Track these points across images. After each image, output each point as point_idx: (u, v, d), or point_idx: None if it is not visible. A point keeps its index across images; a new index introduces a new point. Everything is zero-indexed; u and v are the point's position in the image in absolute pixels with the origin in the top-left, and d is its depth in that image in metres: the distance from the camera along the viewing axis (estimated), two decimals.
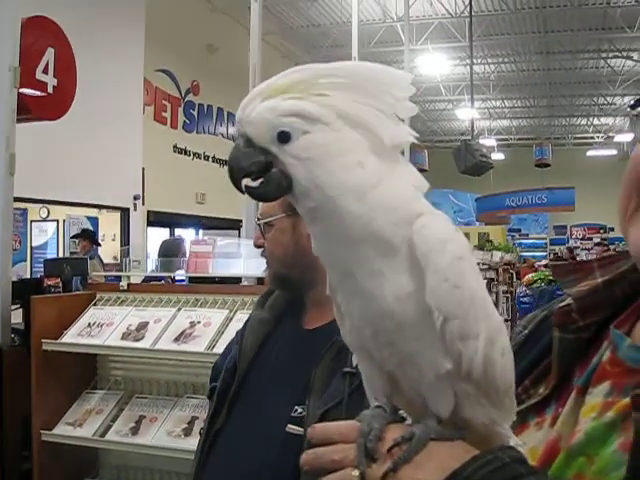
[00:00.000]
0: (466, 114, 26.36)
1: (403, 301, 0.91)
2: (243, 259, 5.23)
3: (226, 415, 2.17)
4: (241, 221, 15.65)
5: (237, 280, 5.20)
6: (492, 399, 1.00)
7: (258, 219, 2.25)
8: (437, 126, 32.86)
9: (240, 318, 3.83)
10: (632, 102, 1.10)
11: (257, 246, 2.29)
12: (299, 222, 2.16)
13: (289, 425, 2.00)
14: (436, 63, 21.55)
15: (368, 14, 18.74)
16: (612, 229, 26.75)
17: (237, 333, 2.36)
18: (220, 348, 3.63)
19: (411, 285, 0.91)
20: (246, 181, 0.94)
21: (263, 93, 0.93)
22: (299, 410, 2.02)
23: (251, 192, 0.94)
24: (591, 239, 25.44)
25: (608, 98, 27.24)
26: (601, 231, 26.11)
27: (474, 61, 18.64)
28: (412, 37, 18.26)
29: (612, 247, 20.35)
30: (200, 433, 2.31)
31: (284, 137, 0.92)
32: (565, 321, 1.17)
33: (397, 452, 0.91)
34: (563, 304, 1.21)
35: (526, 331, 1.31)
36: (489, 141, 30.20)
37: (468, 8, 17.10)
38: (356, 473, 0.91)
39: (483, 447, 0.94)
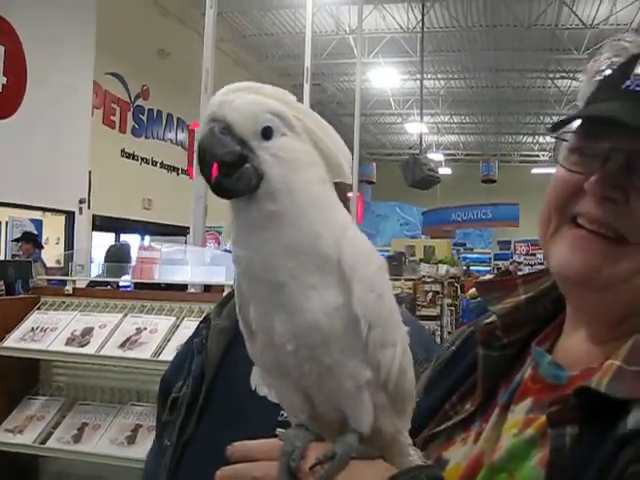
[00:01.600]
0: (415, 128, 26.62)
1: (330, 315, 0.92)
2: (190, 266, 5.19)
3: (195, 425, 2.13)
4: (188, 228, 15.59)
5: (183, 287, 5.16)
6: (399, 408, 1.03)
7: None
8: (386, 139, 33.09)
9: (187, 325, 3.80)
10: (551, 126, 1.12)
11: None
12: None
13: (278, 429, 2.00)
14: (387, 77, 21.72)
15: (321, 26, 18.80)
16: None
17: (191, 342, 2.33)
18: (167, 355, 3.59)
19: (338, 299, 0.93)
20: (215, 171, 0.89)
21: (250, 89, 0.92)
22: (285, 414, 2.02)
23: (219, 184, 0.89)
24: (534, 255, 25.77)
25: (554, 117, 27.71)
26: None
27: (424, 76, 18.84)
28: (364, 50, 18.36)
29: None
30: (162, 445, 2.25)
31: (267, 133, 0.91)
32: (489, 338, 1.19)
33: (319, 471, 0.92)
34: (487, 321, 1.22)
35: (453, 347, 1.32)
36: (437, 156, 30.53)
37: (420, 23, 17.29)
38: None
39: (389, 456, 0.99)
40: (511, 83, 23.56)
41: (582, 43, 18.83)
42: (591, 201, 1.03)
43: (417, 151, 18.89)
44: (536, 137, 31.68)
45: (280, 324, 0.93)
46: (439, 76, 23.17)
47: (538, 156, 33.54)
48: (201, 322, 2.37)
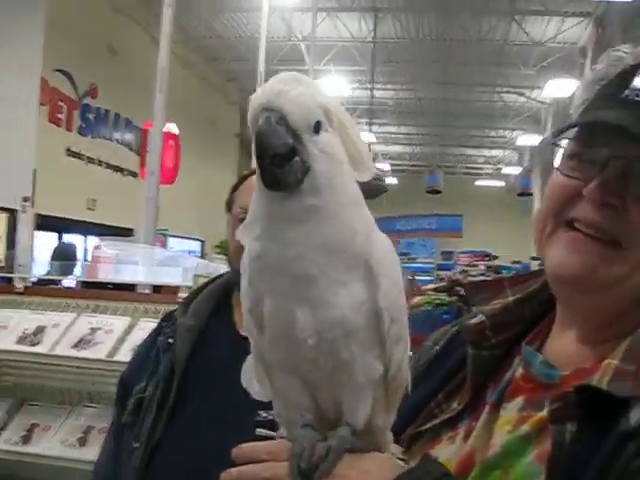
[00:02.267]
0: (363, 137, 26.80)
1: (355, 309, 0.96)
2: (143, 266, 5.16)
3: (166, 426, 2.11)
4: (132, 230, 15.38)
5: (131, 287, 5.10)
6: (392, 404, 1.08)
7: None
8: None
9: (143, 327, 3.74)
10: (554, 131, 1.15)
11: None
12: None
13: (258, 429, 1.98)
14: (337, 85, 21.82)
15: (273, 31, 18.81)
16: (497, 257, 27.63)
17: (151, 342, 2.29)
18: (121, 356, 3.55)
19: (363, 294, 0.96)
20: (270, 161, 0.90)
21: (300, 81, 0.93)
22: (264, 415, 2.00)
23: (273, 175, 0.91)
24: (476, 265, 26.12)
25: (500, 131, 28.23)
26: (486, 258, 26.85)
27: (374, 86, 18.99)
28: (316, 57, 18.45)
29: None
30: (122, 447, 2.20)
31: (317, 128, 0.92)
32: (479, 339, 1.22)
33: (318, 470, 0.94)
34: (475, 322, 1.25)
35: (437, 347, 1.35)
36: (383, 165, 30.74)
37: (372, 33, 17.42)
38: None
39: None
40: (458, 96, 23.91)
41: (530, 59, 19.21)
42: (589, 206, 1.05)
43: None
44: (481, 150, 32.17)
45: (303, 317, 0.95)
46: (388, 86, 23.39)
47: (482, 169, 34.07)
48: (163, 320, 2.36)
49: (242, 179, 2.28)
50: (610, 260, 1.04)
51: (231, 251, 2.22)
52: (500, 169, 33.15)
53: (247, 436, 1.93)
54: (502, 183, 33.61)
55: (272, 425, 1.94)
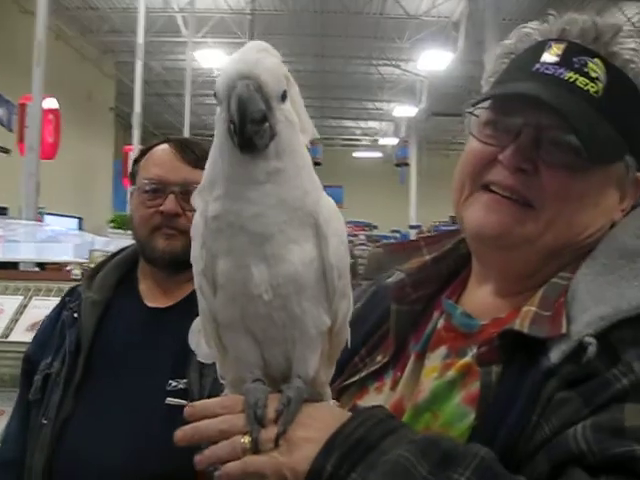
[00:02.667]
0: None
1: (307, 265, 1.04)
2: (29, 243, 5.04)
3: (74, 400, 2.10)
4: (5, 208, 14.80)
5: (14, 265, 4.97)
6: (333, 358, 1.17)
7: (184, 186, 2.13)
8: (211, 120, 32.65)
9: (37, 305, 3.66)
10: (473, 101, 1.25)
11: (173, 215, 2.15)
12: None
13: (169, 398, 1.99)
14: (215, 57, 21.54)
15: (149, 2, 18.40)
16: (376, 227, 28.16)
17: (55, 318, 2.27)
18: (16, 336, 3.46)
19: (313, 252, 1.05)
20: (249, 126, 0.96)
21: (268, 50, 1.01)
22: (174, 384, 2.03)
23: (250, 139, 0.96)
24: (356, 235, 26.57)
25: (376, 104, 28.61)
26: (366, 228, 27.31)
27: None
28: (192, 30, 18.20)
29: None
30: (30, 424, 2.17)
31: (284, 96, 1.00)
32: (400, 295, 1.32)
33: (282, 417, 1.01)
34: (396, 280, 1.35)
35: (359, 305, 1.43)
36: None
37: (250, 5, 17.31)
38: (246, 439, 1.00)
39: None
40: (336, 68, 24.07)
41: (405, 33, 19.53)
42: (505, 170, 1.16)
43: None
44: (358, 122, 32.53)
45: (259, 274, 1.02)
46: None
47: (360, 140, 34.49)
48: (67, 295, 2.34)
49: (145, 151, 2.27)
50: (524, 220, 1.15)
51: (136, 222, 2.21)
52: (377, 140, 33.68)
53: (157, 406, 1.98)
54: (379, 154, 34.16)
55: (182, 394, 1.99)
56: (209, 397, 1.90)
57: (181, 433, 1.07)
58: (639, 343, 1.00)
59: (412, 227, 28.17)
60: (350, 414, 1.05)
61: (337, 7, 18.30)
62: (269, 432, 1.01)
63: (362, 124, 32.75)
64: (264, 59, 0.98)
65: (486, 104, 1.22)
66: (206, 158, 2.18)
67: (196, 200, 1.09)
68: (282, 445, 1.00)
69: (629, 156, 1.17)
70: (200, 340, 1.21)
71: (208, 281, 1.09)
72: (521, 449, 0.99)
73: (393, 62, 22.31)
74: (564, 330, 1.04)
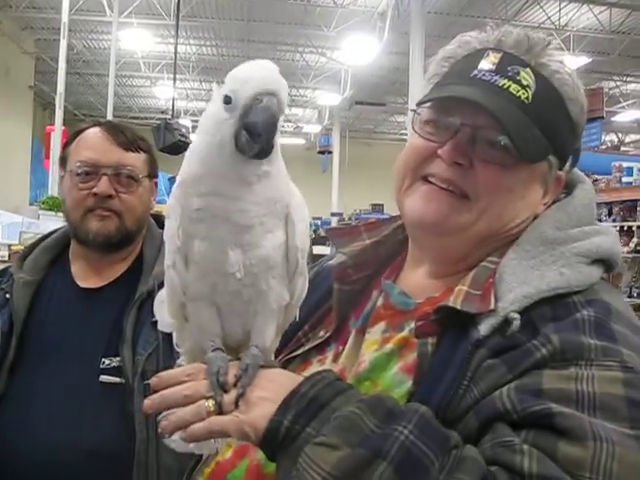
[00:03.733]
0: (164, 93, 26.35)
1: (276, 249, 1.18)
2: None
3: (8, 380, 2.12)
4: None
5: None
6: (283, 330, 1.32)
7: (116, 168, 2.20)
8: (133, 102, 32.48)
9: None
10: (417, 102, 1.39)
11: (107, 196, 2.19)
12: (152, 185, 2.30)
13: (103, 376, 2.05)
14: (139, 38, 21.22)
15: None
16: None
17: None
18: None
19: (283, 237, 1.19)
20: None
21: (277, 69, 1.14)
22: (107, 362, 2.09)
23: (269, 147, 1.11)
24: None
25: (301, 90, 28.66)
26: None
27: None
28: (117, 9, 17.91)
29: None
30: None
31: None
32: (342, 275, 1.45)
33: (240, 381, 1.13)
34: (339, 261, 1.48)
35: None
36: (185, 122, 30.38)
37: None
38: (210, 403, 1.11)
39: None
40: (262, 54, 23.78)
41: (332, 21, 19.62)
42: (443, 164, 1.29)
43: (169, 116, 18.71)
44: None
45: (234, 256, 1.14)
46: (191, 42, 23.08)
47: (283, 126, 34.17)
48: None
49: (76, 134, 2.30)
50: (459, 210, 1.28)
51: (68, 205, 2.25)
52: (301, 127, 33.78)
53: (91, 384, 2.04)
54: (302, 141, 34.29)
55: (116, 371, 2.06)
56: (142, 374, 1.99)
57: (149, 402, 1.14)
58: (556, 319, 1.14)
59: (334, 214, 28.41)
60: (303, 377, 1.15)
61: None
62: (230, 395, 1.11)
63: (286, 110, 32.66)
64: (282, 79, 1.11)
65: (428, 104, 1.35)
66: (136, 141, 2.24)
67: (179, 193, 1.17)
68: (242, 405, 1.10)
69: (552, 156, 1.31)
70: (163, 310, 1.29)
71: (182, 258, 1.18)
72: (453, 410, 1.12)
73: (319, 50, 22.39)
74: (492, 307, 1.17)
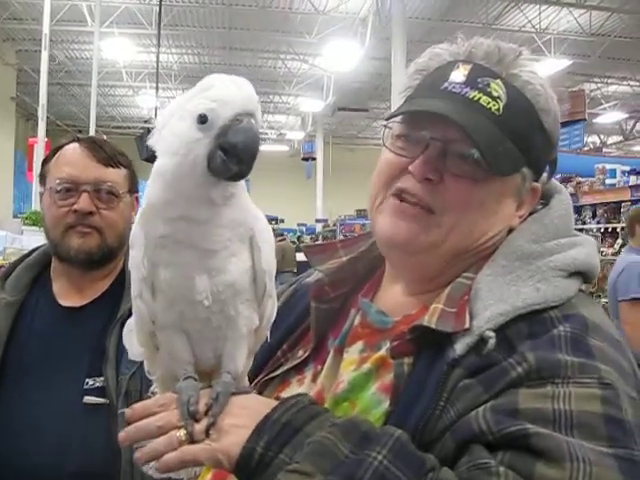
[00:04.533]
0: (147, 102, 26.33)
1: (243, 274, 1.16)
2: None
3: None
4: None
5: None
6: (254, 352, 1.30)
7: (96, 184, 2.16)
8: (116, 112, 32.45)
9: None
10: (386, 116, 1.37)
11: (87, 213, 2.15)
12: (133, 200, 2.26)
13: (87, 397, 2.03)
14: (121, 48, 21.18)
15: None
16: (283, 220, 28.27)
17: None
18: None
19: (249, 261, 1.17)
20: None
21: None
22: (91, 382, 2.06)
23: (247, 170, 1.09)
24: None
25: (283, 97, 28.69)
26: (273, 222, 27.40)
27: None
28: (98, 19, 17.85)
29: (285, 235, 21.74)
30: None
31: None
32: (319, 294, 1.42)
33: (211, 409, 1.11)
34: (315, 279, 1.45)
35: (279, 304, 1.49)
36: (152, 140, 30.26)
37: None
38: (182, 433, 1.09)
39: None
40: (244, 62, 24.00)
41: (313, 28, 19.64)
42: (413, 179, 1.26)
43: (152, 125, 18.66)
44: (265, 115, 32.52)
45: (202, 283, 1.12)
46: (173, 51, 23.08)
47: (266, 134, 34.48)
48: None
49: (55, 150, 2.26)
50: (428, 227, 1.26)
51: (48, 223, 2.21)
52: (284, 134, 33.78)
53: (75, 405, 2.01)
54: (286, 148, 34.29)
55: (100, 392, 2.03)
56: (126, 394, 1.96)
57: (124, 434, 1.13)
58: (532, 336, 1.13)
59: (318, 220, 28.42)
60: (276, 402, 1.13)
61: (246, 1, 18.28)
62: (201, 424, 1.09)
63: (269, 117, 32.78)
64: (257, 99, 1.08)
65: (399, 118, 1.33)
66: (116, 157, 2.20)
67: (139, 218, 1.15)
68: (214, 434, 1.08)
69: (526, 168, 1.29)
70: (133, 339, 1.27)
71: (148, 287, 1.16)
72: (430, 432, 1.10)
73: (301, 57, 22.41)
74: (467, 325, 1.15)
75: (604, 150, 24.80)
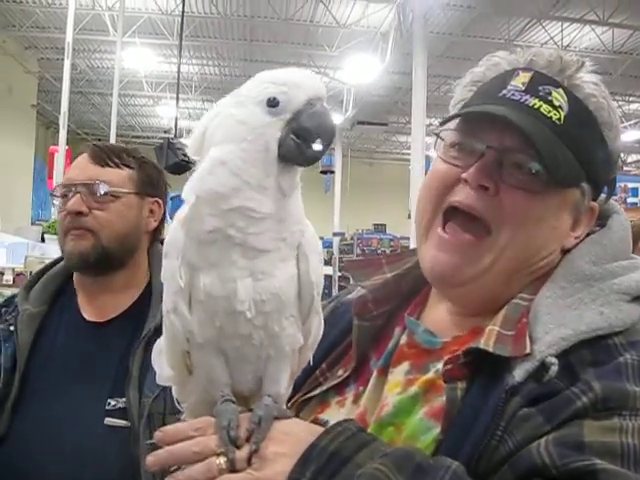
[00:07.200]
0: (167, 112, 26.37)
1: (289, 283, 1.07)
2: None
3: (9, 420, 2.03)
4: None
5: None
6: (296, 375, 1.21)
7: (89, 184, 2.10)
8: (136, 122, 32.49)
9: None
10: (439, 122, 1.30)
11: (78, 213, 2.10)
12: (145, 203, 2.15)
13: (108, 418, 1.96)
14: (142, 58, 21.24)
15: None
16: None
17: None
18: None
19: (294, 270, 1.08)
20: None
21: None
22: (113, 403, 1.99)
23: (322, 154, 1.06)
24: None
25: None
26: None
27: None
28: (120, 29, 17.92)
29: None
30: None
31: None
32: (362, 310, 1.35)
33: (253, 435, 1.03)
34: (358, 296, 1.39)
35: None
36: (187, 141, 30.32)
37: (180, 6, 17.10)
38: (221, 460, 1.01)
39: None
40: None
41: (335, 41, 19.62)
42: (467, 189, 1.20)
43: (171, 136, 18.70)
44: None
45: (244, 290, 1.03)
46: (194, 62, 23.10)
47: None
48: (2, 306, 2.24)
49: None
50: (475, 254, 1.20)
51: (57, 231, 2.18)
52: None
53: (96, 425, 1.94)
54: None
55: (121, 413, 1.97)
56: (149, 417, 1.89)
57: (153, 458, 1.05)
58: (596, 364, 1.06)
59: (336, 234, 28.33)
60: (322, 428, 1.07)
61: (267, 12, 18.28)
62: (243, 451, 1.02)
63: None
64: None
65: (452, 125, 1.27)
66: (117, 157, 2.14)
67: (179, 216, 1.07)
68: (257, 462, 1.01)
69: (585, 183, 1.23)
70: (163, 362, 1.19)
71: (184, 300, 1.08)
72: (486, 463, 1.04)
73: (321, 70, 22.40)
74: (528, 350, 1.08)
75: (624, 169, 24.67)
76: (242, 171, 1.01)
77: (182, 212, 1.07)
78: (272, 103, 1.01)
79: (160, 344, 1.20)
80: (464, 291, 1.24)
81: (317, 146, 1.02)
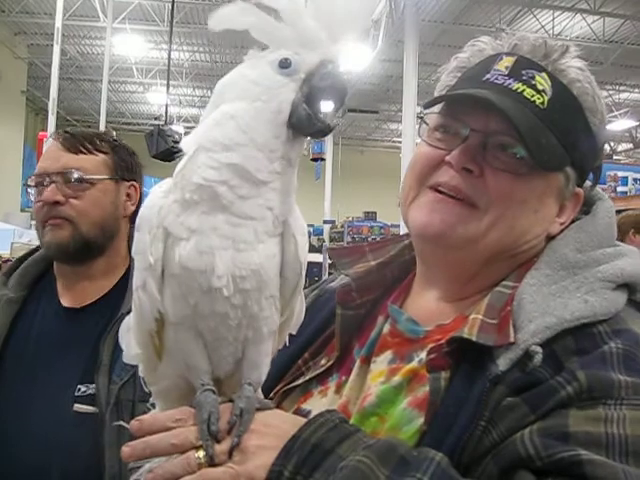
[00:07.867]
0: (157, 99, 26.23)
1: (270, 259, 1.02)
2: None
3: None
4: None
5: None
6: (272, 359, 1.15)
7: (64, 173, 2.07)
8: (126, 108, 32.31)
9: None
10: (423, 105, 1.29)
11: (52, 202, 2.06)
12: (121, 188, 2.12)
13: (77, 405, 1.95)
14: (132, 44, 21.11)
15: None
16: None
17: None
18: None
19: (276, 249, 1.04)
20: None
21: None
22: (83, 389, 1.98)
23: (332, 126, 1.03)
24: None
25: None
26: None
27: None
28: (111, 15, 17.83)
29: None
30: None
31: None
32: (346, 299, 1.33)
33: (235, 428, 1.00)
34: (341, 283, 1.38)
35: None
36: (178, 128, 30.25)
37: None
38: (200, 454, 0.98)
39: None
40: None
41: None
42: (451, 170, 1.20)
43: (162, 122, 18.60)
44: None
45: (222, 264, 0.99)
46: (184, 48, 22.98)
47: None
48: None
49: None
50: (467, 220, 1.18)
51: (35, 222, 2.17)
52: None
53: (66, 411, 1.93)
54: None
55: (91, 399, 1.95)
56: (116, 404, 1.88)
57: (129, 449, 1.01)
58: (580, 352, 1.05)
59: (326, 222, 28.32)
60: (304, 420, 1.05)
61: None
62: (223, 445, 0.99)
63: None
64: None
65: (437, 109, 1.26)
66: (89, 142, 2.11)
67: (158, 186, 1.05)
68: (237, 455, 0.98)
69: (570, 168, 1.22)
70: (130, 340, 1.14)
71: (155, 276, 1.03)
72: (470, 453, 1.03)
73: None
74: (512, 339, 1.07)
75: (614, 157, 24.69)
76: (250, 128, 0.99)
77: (159, 186, 1.05)
78: (285, 64, 1.01)
79: (129, 321, 1.14)
80: (451, 257, 1.23)
81: (328, 108, 1.01)
